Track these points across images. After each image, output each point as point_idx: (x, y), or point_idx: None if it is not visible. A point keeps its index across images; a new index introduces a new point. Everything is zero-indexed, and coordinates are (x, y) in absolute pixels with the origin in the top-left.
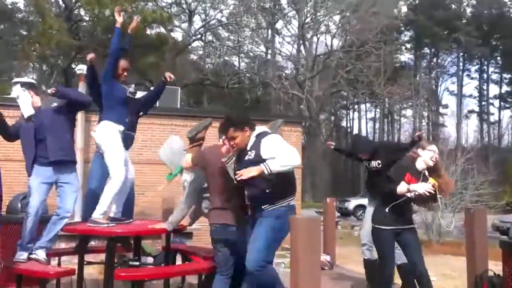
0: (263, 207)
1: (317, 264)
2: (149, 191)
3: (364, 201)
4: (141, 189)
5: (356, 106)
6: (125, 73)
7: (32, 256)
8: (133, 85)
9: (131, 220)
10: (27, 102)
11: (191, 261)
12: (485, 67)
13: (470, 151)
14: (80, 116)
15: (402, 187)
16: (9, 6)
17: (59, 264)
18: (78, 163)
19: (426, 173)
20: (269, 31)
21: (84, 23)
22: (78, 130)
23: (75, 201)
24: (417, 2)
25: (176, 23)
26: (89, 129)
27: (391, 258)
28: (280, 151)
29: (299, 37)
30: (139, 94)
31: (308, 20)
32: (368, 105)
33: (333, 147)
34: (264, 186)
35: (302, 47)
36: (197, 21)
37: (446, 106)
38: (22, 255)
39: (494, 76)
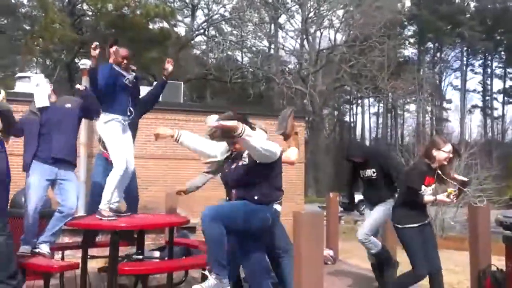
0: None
1: (320, 259)
2: (153, 186)
3: None
4: (145, 184)
5: (359, 101)
6: (124, 61)
7: (36, 250)
8: (133, 74)
9: (129, 213)
10: (44, 93)
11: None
12: (489, 62)
13: (473, 146)
14: None
15: (429, 198)
16: (13, 1)
17: (62, 258)
18: (81, 158)
19: (439, 172)
20: (272, 26)
21: (87, 18)
22: (82, 125)
23: (78, 197)
24: None
25: (179, 17)
26: (92, 124)
27: (423, 257)
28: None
29: (302, 32)
30: (143, 90)
31: (311, 14)
32: (371, 99)
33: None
34: (254, 193)
35: (305, 42)
36: (200, 16)
37: (449, 101)
38: (26, 249)
39: (498, 71)
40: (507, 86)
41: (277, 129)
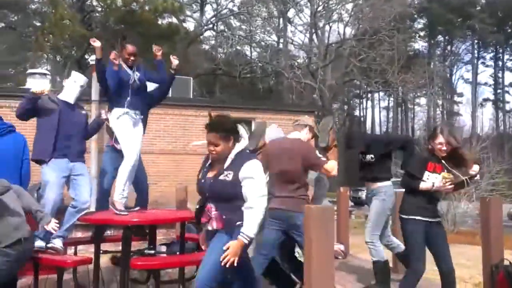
0: (237, 223)
1: (330, 253)
2: (163, 181)
3: None
4: (154, 179)
5: (369, 95)
6: (131, 58)
7: (50, 245)
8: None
9: (139, 207)
10: (76, 92)
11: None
12: (500, 55)
13: (485, 140)
14: (93, 106)
15: (426, 185)
16: None
17: (75, 253)
18: (92, 153)
19: (444, 162)
20: (281, 20)
21: (97, 14)
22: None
23: (91, 192)
24: None
25: (188, 12)
26: None
27: (420, 252)
28: (254, 191)
29: (311, 26)
30: (150, 86)
31: (320, 8)
32: (381, 94)
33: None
34: (235, 218)
35: (314, 36)
36: (209, 11)
37: (461, 94)
38: (40, 244)
39: (510, 64)
40: None
41: (319, 141)
